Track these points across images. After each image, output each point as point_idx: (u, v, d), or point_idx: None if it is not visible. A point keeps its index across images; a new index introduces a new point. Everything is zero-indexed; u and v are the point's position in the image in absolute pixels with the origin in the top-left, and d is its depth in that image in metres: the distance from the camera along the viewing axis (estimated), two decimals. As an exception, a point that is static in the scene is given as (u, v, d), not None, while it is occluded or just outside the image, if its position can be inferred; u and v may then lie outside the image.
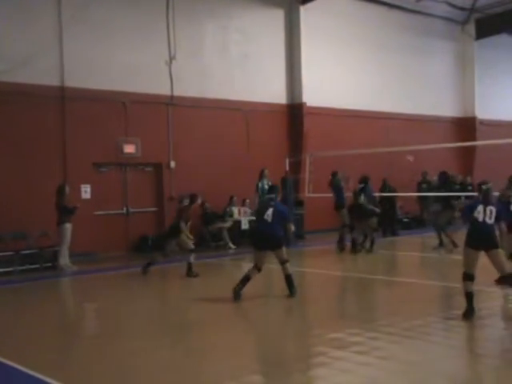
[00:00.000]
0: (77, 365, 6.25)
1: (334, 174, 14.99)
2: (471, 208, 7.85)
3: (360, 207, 14.19)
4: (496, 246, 7.67)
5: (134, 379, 5.73)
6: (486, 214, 7.68)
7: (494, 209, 7.75)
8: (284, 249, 9.21)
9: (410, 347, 6.48)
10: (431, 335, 6.94)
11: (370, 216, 14.22)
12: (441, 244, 13.99)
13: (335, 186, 14.82)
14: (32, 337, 7.34)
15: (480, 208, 7.71)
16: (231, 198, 16.25)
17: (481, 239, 7.65)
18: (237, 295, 8.88)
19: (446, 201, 14.10)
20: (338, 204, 14.71)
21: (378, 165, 18.52)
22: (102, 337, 7.47)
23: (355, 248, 13.96)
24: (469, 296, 7.62)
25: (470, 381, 5.42)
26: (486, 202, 7.81)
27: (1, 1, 13.37)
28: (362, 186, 14.47)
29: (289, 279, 9.16)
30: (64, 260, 12.67)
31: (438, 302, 8.76)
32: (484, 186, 7.96)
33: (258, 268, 9.11)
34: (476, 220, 7.70)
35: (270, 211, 9.15)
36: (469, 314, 7.54)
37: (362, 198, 14.34)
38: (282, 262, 9.15)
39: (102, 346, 6.96)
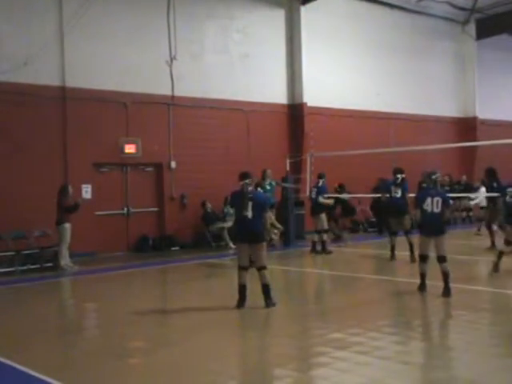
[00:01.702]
0: (77, 365, 6.25)
1: (321, 176, 14.49)
2: (421, 199, 8.97)
3: (395, 203, 12.54)
4: (443, 233, 8.91)
5: (134, 379, 5.73)
6: (433, 205, 8.82)
7: (440, 199, 8.86)
8: (265, 248, 8.51)
9: (411, 347, 6.47)
10: (432, 335, 6.93)
11: (403, 214, 12.47)
12: (493, 244, 13.48)
13: (322, 188, 14.34)
14: (32, 337, 7.34)
15: (428, 200, 8.85)
16: (226, 198, 16.18)
17: (431, 228, 8.88)
18: (241, 307, 8.41)
19: (492, 200, 13.45)
20: (320, 208, 14.19)
21: (378, 165, 18.53)
22: (103, 337, 7.48)
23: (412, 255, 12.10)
24: (423, 276, 9.08)
25: (470, 381, 5.42)
26: (434, 192, 8.92)
27: (2, 1, 13.39)
28: (403, 176, 12.58)
29: (266, 289, 8.42)
30: (64, 260, 12.66)
31: (438, 302, 8.75)
32: (434, 177, 9.04)
33: (244, 268, 8.44)
34: (425, 211, 8.87)
35: (249, 205, 8.33)
36: (422, 288, 9.08)
37: (400, 192, 12.47)
38: (260, 267, 8.41)
39: (103, 346, 6.96)
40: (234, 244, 15.07)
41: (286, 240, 15.83)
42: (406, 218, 12.54)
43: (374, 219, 18.96)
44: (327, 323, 7.68)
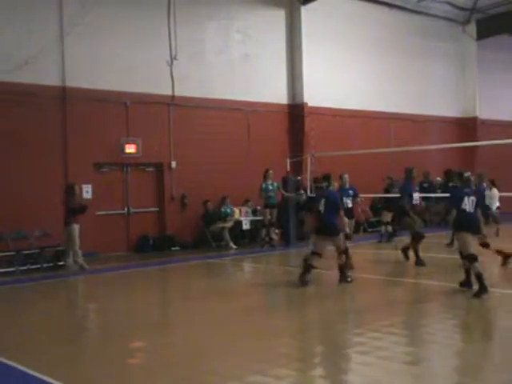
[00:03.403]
0: (77, 365, 6.24)
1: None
2: (459, 199, 8.85)
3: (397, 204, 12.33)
4: (479, 232, 9.10)
5: (134, 379, 5.72)
6: (470, 204, 8.80)
7: (474, 198, 8.85)
8: (341, 237, 9.94)
9: (412, 347, 6.47)
10: (433, 335, 6.93)
11: (402, 215, 11.99)
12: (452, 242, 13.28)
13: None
14: (32, 337, 7.33)
15: (466, 200, 8.78)
16: (224, 198, 16.23)
17: (471, 226, 8.79)
18: (304, 283, 9.66)
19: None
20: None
21: (378, 165, 18.54)
22: (103, 336, 7.46)
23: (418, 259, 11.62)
24: (479, 276, 8.39)
25: (471, 381, 5.41)
26: (469, 191, 8.94)
27: (3, 2, 13.39)
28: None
29: (341, 269, 9.89)
30: (80, 259, 12.55)
31: (438, 301, 8.76)
32: (466, 175, 9.17)
33: (316, 254, 9.73)
34: (464, 211, 8.76)
35: (322, 201, 9.73)
36: (481, 292, 8.35)
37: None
38: (339, 252, 9.84)
39: (103, 345, 6.95)
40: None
41: (287, 240, 15.81)
42: (405, 219, 12.00)
43: (373, 219, 18.98)
44: (328, 323, 7.67)
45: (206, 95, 16.40)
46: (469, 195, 8.84)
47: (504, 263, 10.86)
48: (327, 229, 9.79)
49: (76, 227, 12.56)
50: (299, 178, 16.66)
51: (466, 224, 8.75)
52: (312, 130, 18.15)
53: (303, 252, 14.22)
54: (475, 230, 8.90)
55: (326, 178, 10.16)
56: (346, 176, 12.59)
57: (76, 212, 12.57)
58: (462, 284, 8.95)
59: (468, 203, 8.77)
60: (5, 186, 13.18)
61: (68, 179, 13.81)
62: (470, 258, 8.57)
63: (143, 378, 5.70)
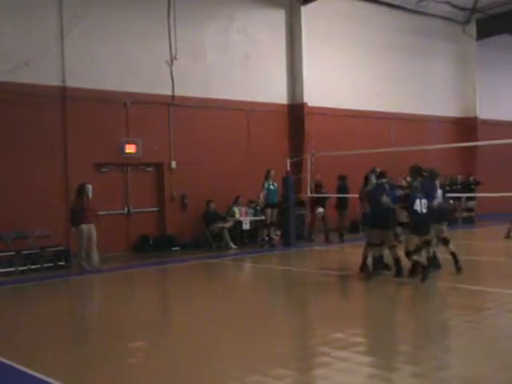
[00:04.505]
0: (77, 365, 6.24)
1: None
2: (412, 201, 9.59)
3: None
4: (427, 232, 9.67)
5: (135, 379, 5.72)
6: (421, 206, 9.54)
7: (425, 200, 9.57)
8: (392, 232, 10.48)
9: (412, 347, 6.46)
10: (432, 334, 6.93)
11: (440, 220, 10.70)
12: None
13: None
14: (32, 337, 7.33)
15: (418, 202, 9.54)
16: (237, 198, 16.27)
17: (422, 228, 9.59)
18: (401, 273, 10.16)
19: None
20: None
21: (378, 165, 18.49)
22: (103, 336, 7.46)
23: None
24: (423, 265, 9.59)
25: (470, 381, 5.41)
26: (420, 196, 9.60)
27: (3, 2, 13.39)
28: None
29: (397, 262, 10.24)
30: (83, 260, 12.54)
31: (436, 301, 8.76)
32: (414, 185, 9.83)
33: (374, 245, 10.32)
34: (416, 212, 9.54)
35: (384, 196, 10.19)
36: (425, 277, 9.48)
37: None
38: (390, 246, 10.30)
39: (103, 345, 6.95)
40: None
41: (286, 240, 15.80)
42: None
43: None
44: (328, 323, 7.67)
45: (206, 95, 16.40)
46: (420, 198, 9.62)
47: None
48: (382, 222, 10.29)
49: (84, 227, 12.55)
50: (318, 176, 16.66)
51: (416, 226, 9.65)
52: (312, 130, 18.15)
53: (304, 252, 14.24)
54: (424, 230, 9.63)
55: (383, 175, 10.64)
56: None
57: (83, 212, 12.58)
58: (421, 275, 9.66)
59: (420, 204, 9.56)
60: (5, 185, 13.18)
61: (68, 179, 13.83)
62: (407, 254, 9.66)
63: (143, 378, 5.70)
